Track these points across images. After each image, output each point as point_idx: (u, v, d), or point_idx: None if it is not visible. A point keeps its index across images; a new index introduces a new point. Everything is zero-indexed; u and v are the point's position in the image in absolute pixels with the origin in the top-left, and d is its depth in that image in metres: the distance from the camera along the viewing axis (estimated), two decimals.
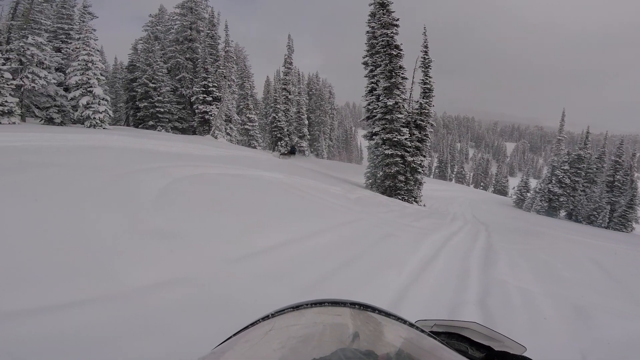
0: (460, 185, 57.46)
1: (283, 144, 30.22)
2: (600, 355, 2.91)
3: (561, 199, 29.11)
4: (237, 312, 2.51)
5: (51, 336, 1.91)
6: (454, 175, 79.14)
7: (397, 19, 16.49)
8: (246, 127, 31.98)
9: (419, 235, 6.62)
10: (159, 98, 22.71)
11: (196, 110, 23.58)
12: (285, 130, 30.73)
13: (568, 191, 28.99)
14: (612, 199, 27.96)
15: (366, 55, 17.59)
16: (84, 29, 16.43)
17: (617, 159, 28.91)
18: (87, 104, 15.63)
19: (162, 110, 22.89)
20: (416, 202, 16.64)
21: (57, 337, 1.91)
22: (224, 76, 24.47)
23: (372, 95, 17.27)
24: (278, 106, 30.41)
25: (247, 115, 32.25)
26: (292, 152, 30.09)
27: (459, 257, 5.66)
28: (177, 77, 24.68)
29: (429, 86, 17.27)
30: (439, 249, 5.90)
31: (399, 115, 16.25)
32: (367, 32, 17.34)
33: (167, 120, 23.40)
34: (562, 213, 29.93)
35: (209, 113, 23.33)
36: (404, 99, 16.90)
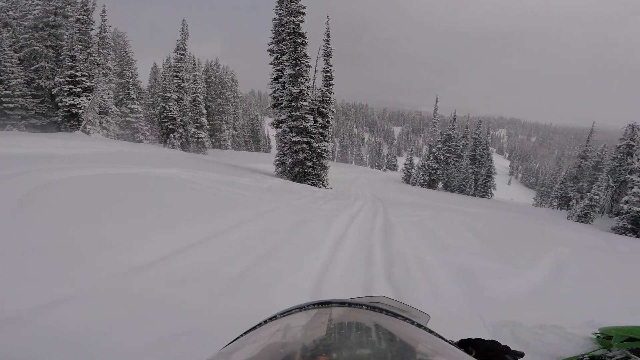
0: (359, 166, 62.79)
1: (177, 136, 27.22)
2: (493, 315, 3.34)
3: (438, 173, 34.71)
4: (159, 322, 2.25)
5: None
6: (353, 158, 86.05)
7: (304, 7, 16.65)
8: (128, 119, 28.05)
9: (329, 218, 7.02)
10: (7, 92, 18.97)
11: (60, 104, 19.88)
12: (179, 120, 27.75)
13: (443, 166, 34.74)
14: (475, 169, 34.87)
15: (272, 43, 17.25)
16: None
17: (477, 136, 36.14)
18: None
19: (12, 106, 19.17)
20: (324, 185, 17.50)
21: None
22: (98, 64, 21.49)
23: (278, 82, 17.14)
24: (168, 95, 27.09)
25: (129, 106, 28.23)
26: None
27: (364, 233, 6.23)
28: (32, 68, 20.32)
29: (329, 74, 18.03)
30: (346, 227, 6.40)
31: (304, 103, 16.61)
32: (274, 19, 17.00)
33: (19, 117, 19.68)
34: (440, 185, 35.79)
35: (78, 106, 19.91)
36: (308, 87, 17.32)
